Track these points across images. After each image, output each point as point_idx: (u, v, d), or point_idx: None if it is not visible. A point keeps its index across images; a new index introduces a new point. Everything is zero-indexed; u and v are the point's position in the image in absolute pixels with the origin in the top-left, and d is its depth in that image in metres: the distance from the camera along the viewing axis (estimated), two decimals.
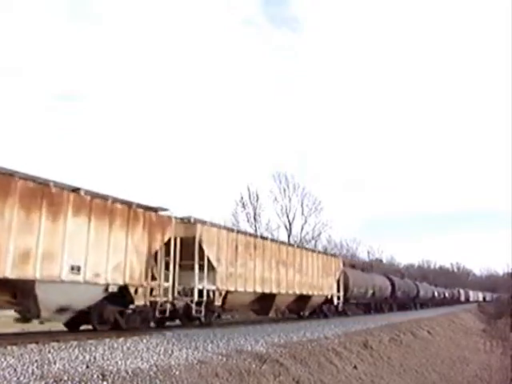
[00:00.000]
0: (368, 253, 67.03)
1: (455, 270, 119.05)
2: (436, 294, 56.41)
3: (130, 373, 7.83)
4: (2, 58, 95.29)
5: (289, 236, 44.21)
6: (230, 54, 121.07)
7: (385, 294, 34.70)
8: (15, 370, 7.16)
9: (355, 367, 13.44)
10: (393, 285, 36.72)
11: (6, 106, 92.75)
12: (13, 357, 7.86)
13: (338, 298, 25.19)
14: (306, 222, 45.26)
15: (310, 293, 21.82)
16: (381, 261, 71.87)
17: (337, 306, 25.17)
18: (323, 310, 24.23)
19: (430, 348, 21.93)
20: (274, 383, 9.89)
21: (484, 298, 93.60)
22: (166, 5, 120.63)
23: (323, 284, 23.26)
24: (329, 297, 23.98)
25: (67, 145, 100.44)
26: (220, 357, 9.96)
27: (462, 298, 77.29)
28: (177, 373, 8.44)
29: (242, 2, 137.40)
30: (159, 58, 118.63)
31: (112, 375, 7.55)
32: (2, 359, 7.63)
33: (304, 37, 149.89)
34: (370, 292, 30.91)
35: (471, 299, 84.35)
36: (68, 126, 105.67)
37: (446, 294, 64.19)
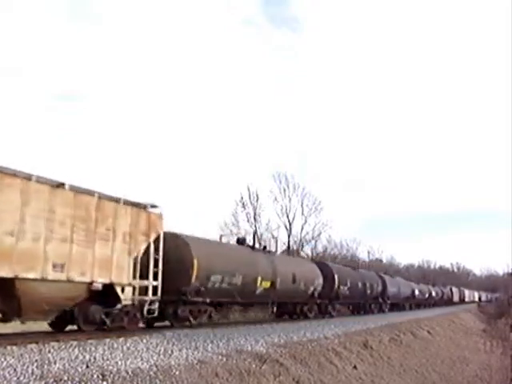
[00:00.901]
0: (368, 253, 67.00)
1: (455, 269, 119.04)
2: (417, 292, 44.72)
3: (129, 373, 7.83)
4: (2, 57, 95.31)
5: (289, 236, 44.23)
6: (230, 54, 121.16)
7: (309, 290, 21.82)
8: (15, 370, 7.15)
9: (355, 367, 13.45)
10: (327, 276, 23.95)
11: (6, 106, 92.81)
12: (13, 357, 7.86)
13: (151, 292, 12.85)
14: (306, 221, 45.16)
15: (10, 275, 9.23)
16: (381, 261, 71.87)
17: (142, 308, 12.65)
18: (90, 313, 11.33)
19: (430, 348, 21.93)
20: (273, 383, 9.90)
21: (480, 298, 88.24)
22: (166, 5, 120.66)
23: (75, 257, 10.53)
24: (98, 287, 11.12)
25: (67, 145, 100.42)
26: (220, 357, 9.96)
27: (456, 299, 67.04)
28: (177, 373, 8.44)
29: (242, 2, 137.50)
30: (159, 58, 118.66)
31: (112, 375, 7.55)
32: (2, 359, 7.63)
33: (304, 37, 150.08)
34: (264, 285, 18.02)
35: (467, 299, 76.08)
36: (68, 126, 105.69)
37: (433, 293, 53.28)
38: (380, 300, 33.47)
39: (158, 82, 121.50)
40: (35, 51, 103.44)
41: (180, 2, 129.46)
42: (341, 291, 25.60)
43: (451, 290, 66.15)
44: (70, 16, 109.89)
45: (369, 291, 30.40)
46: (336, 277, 25.09)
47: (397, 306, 38.59)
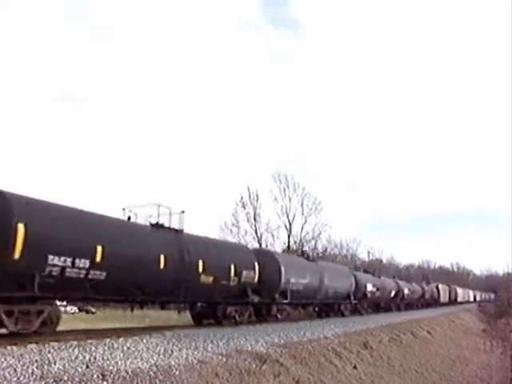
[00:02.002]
0: (368, 253, 67.04)
1: (455, 269, 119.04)
2: (370, 288, 29.10)
3: (129, 373, 7.83)
4: (4, 59, 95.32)
5: (289, 236, 44.22)
6: (230, 55, 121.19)
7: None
8: (15, 370, 7.15)
9: (355, 367, 13.45)
10: None
11: (7, 108, 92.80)
12: (13, 357, 7.85)
13: None
14: (306, 221, 45.22)
15: None
16: (381, 261, 71.86)
17: None
18: None
19: (430, 348, 21.93)
20: (273, 383, 9.90)
21: (475, 298, 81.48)
22: (166, 7, 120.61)
23: None
24: None
25: (67, 144, 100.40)
26: (220, 357, 9.96)
27: (444, 299, 54.10)
28: (177, 373, 8.44)
29: (244, 5, 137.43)
30: (160, 59, 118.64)
31: (112, 375, 7.55)
32: (2, 359, 7.62)
33: (304, 38, 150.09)
34: None
35: (460, 299, 64.74)
36: (69, 126, 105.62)
37: (406, 291, 38.27)
38: (277, 300, 18.74)
39: (159, 83, 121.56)
40: (36, 53, 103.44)
41: (180, 4, 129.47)
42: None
43: (437, 287, 52.81)
44: (68, 17, 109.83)
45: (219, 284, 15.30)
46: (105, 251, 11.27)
47: (327, 308, 25.16)
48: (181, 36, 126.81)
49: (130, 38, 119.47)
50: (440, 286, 53.79)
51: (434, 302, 49.94)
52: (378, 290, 30.68)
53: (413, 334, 22.15)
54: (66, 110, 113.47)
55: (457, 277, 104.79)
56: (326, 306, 24.99)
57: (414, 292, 41.36)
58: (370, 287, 29.24)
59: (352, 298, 26.43)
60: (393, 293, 34.91)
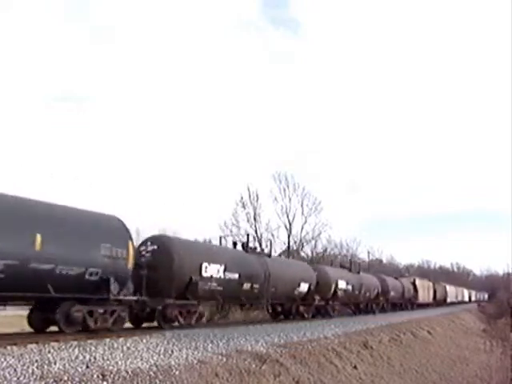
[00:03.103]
0: (368, 253, 66.91)
1: (455, 269, 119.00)
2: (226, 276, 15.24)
3: (129, 373, 7.83)
4: (4, 59, 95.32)
5: (289, 236, 44.16)
6: (231, 55, 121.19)
7: None
8: (15, 370, 7.15)
9: (355, 367, 13.45)
10: None
11: (7, 108, 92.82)
12: (13, 357, 7.85)
13: None
14: (306, 221, 45.05)
15: None
16: (381, 261, 71.80)
17: None
18: None
19: (430, 348, 21.93)
20: (273, 383, 9.90)
21: (470, 298, 77.69)
22: (166, 6, 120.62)
23: None
24: None
25: (66, 144, 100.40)
26: (220, 357, 9.96)
27: (424, 299, 42.51)
28: (177, 373, 8.44)
29: (244, 5, 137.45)
30: (160, 59, 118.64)
31: (112, 375, 7.55)
32: (2, 359, 7.62)
33: (304, 37, 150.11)
34: None
35: (452, 299, 57.62)
36: (69, 126, 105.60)
37: (343, 286, 24.36)
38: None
39: (158, 83, 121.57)
40: (36, 53, 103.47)
41: (180, 4, 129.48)
42: None
43: (414, 283, 40.12)
44: (68, 17, 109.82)
45: None
46: None
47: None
48: (181, 36, 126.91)
49: (130, 38, 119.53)
50: (418, 282, 41.37)
51: (409, 303, 38.45)
52: (253, 281, 17.00)
53: (413, 334, 22.14)
54: (66, 110, 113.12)
55: (457, 277, 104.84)
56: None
57: (362, 288, 27.20)
58: (227, 275, 15.58)
59: (173, 292, 13.51)
60: (305, 287, 20.90)
